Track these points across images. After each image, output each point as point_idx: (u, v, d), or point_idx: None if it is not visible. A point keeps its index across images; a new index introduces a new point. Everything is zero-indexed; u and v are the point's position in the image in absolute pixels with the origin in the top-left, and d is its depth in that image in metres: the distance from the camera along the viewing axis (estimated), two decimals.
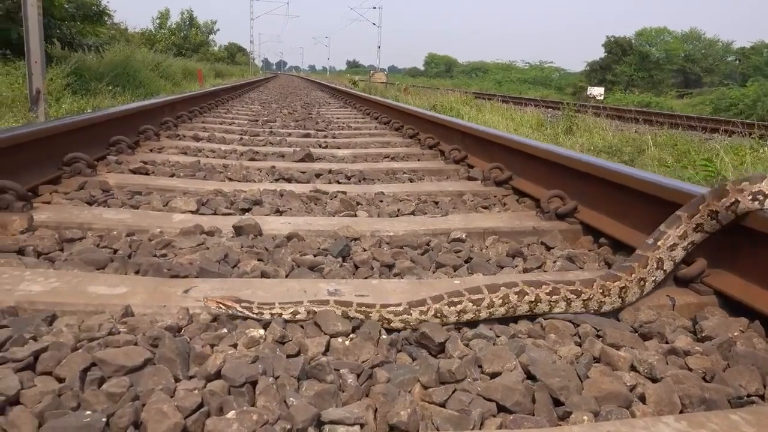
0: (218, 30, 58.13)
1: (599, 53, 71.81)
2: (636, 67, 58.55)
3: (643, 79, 58.12)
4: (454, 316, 1.62)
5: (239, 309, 1.58)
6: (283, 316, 1.59)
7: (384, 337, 1.53)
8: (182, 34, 51.55)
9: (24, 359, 1.32)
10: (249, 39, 73.21)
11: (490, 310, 1.65)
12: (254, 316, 1.59)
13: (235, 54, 75.46)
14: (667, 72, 61.38)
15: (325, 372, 1.33)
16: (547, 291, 1.68)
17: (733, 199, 1.80)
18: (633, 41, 61.34)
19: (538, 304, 1.68)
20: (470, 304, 1.62)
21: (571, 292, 1.70)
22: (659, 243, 1.84)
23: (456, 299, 1.62)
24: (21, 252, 2.06)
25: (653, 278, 1.81)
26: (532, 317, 1.71)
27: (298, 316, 1.60)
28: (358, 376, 1.35)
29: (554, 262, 2.24)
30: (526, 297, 1.67)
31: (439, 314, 1.60)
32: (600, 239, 2.51)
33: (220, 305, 1.58)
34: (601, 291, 1.72)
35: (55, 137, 3.30)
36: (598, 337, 1.59)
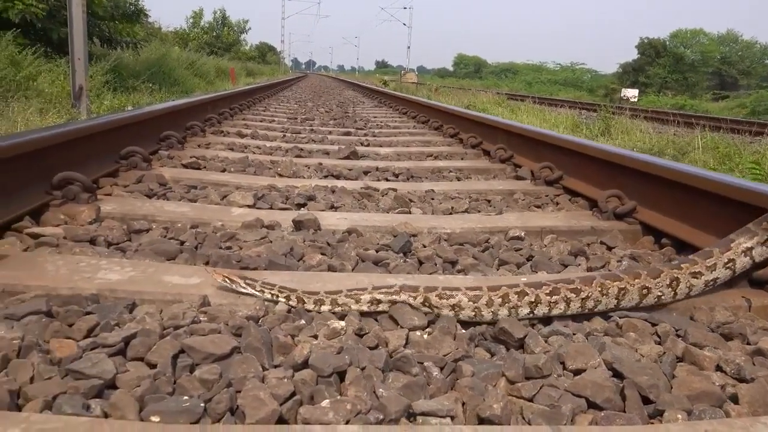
0: (250, 29, 58.69)
1: (632, 55, 70.75)
2: (670, 69, 57.54)
3: (677, 82, 57.09)
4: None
5: (243, 285, 1.65)
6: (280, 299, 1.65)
7: (463, 331, 1.53)
8: (214, 33, 52.16)
9: (115, 345, 1.34)
10: (280, 39, 73.75)
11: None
12: (256, 292, 1.65)
13: (265, 53, 76.13)
14: (702, 74, 60.20)
15: (410, 364, 1.33)
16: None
17: None
18: (667, 43, 60.31)
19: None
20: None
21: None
22: None
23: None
24: (92, 241, 2.11)
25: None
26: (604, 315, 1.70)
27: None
28: (442, 369, 1.35)
29: (618, 261, 2.22)
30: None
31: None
32: (662, 239, 2.47)
33: (226, 279, 1.65)
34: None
35: (112, 132, 3.36)
36: (678, 336, 1.56)
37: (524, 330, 1.51)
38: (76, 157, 2.85)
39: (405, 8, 66.75)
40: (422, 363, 1.35)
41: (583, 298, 1.64)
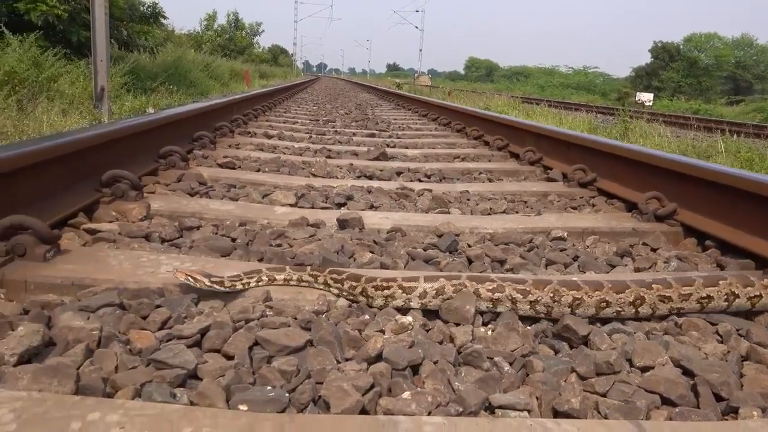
0: (263, 32, 58.92)
1: (645, 59, 70.42)
2: (684, 73, 57.27)
3: (691, 86, 56.80)
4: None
5: (208, 283, 1.60)
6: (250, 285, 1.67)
7: (528, 328, 1.55)
8: (227, 35, 52.42)
9: (191, 336, 1.38)
10: (292, 41, 74.06)
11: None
12: (225, 289, 1.62)
13: (278, 56, 76.43)
14: (716, 78, 59.87)
15: (481, 359, 1.35)
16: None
17: None
18: (681, 47, 60.03)
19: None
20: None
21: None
22: None
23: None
24: (147, 237, 2.15)
25: None
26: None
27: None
28: (511, 364, 1.37)
29: (665, 262, 2.22)
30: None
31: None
32: (705, 241, 2.47)
33: (189, 277, 1.59)
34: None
35: (151, 131, 3.41)
36: (740, 336, 1.57)
37: (588, 327, 1.52)
38: (120, 156, 2.90)
39: (417, 11, 66.82)
40: (492, 358, 1.37)
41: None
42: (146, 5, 16.72)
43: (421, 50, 63.45)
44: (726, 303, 1.68)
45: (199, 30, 48.79)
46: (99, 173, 2.60)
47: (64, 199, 2.24)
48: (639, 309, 1.64)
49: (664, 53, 58.68)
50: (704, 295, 1.67)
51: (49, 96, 9.59)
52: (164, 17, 17.68)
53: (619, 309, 1.63)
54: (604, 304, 1.62)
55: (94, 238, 2.08)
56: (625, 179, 3.22)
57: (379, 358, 1.34)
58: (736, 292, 1.68)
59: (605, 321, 1.64)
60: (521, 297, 1.60)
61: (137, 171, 3.01)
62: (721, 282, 1.69)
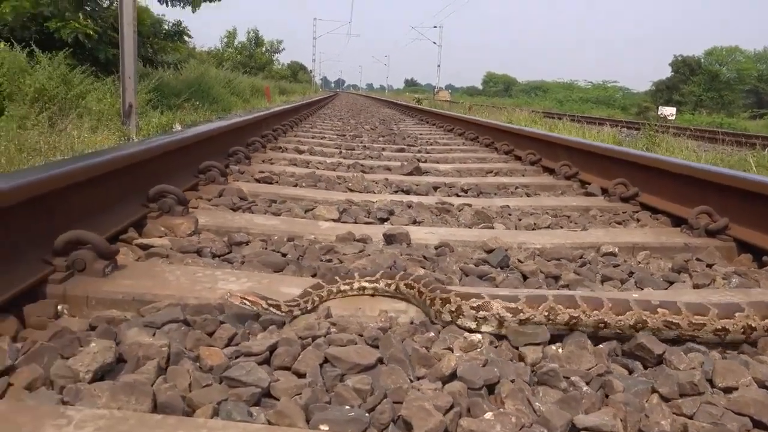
0: (284, 49, 59.59)
1: (665, 73, 69.98)
2: (705, 87, 56.80)
3: (713, 100, 56.30)
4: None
5: (264, 306, 1.54)
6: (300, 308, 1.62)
7: (601, 346, 1.51)
8: (248, 52, 53.07)
9: (260, 353, 1.35)
10: (311, 58, 74.81)
11: None
12: (281, 314, 1.57)
13: (297, 72, 77.20)
14: (738, 92, 59.27)
15: (558, 379, 1.31)
16: None
17: None
18: (702, 60, 59.58)
19: None
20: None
21: None
22: None
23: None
24: (198, 253, 2.14)
25: None
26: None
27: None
28: (588, 383, 1.33)
29: (724, 278, 2.17)
30: None
31: None
32: (762, 257, 2.41)
33: (244, 301, 1.54)
34: None
35: (191, 147, 3.43)
36: None
37: (662, 346, 1.48)
38: (164, 171, 2.91)
39: (435, 27, 67.14)
40: (568, 377, 1.33)
41: None
42: (171, 24, 16.98)
43: (439, 66, 63.67)
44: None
45: (219, 47, 49.47)
46: (145, 188, 2.61)
47: (116, 215, 2.25)
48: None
49: (684, 67, 58.28)
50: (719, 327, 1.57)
51: (78, 113, 9.75)
52: (188, 35, 17.93)
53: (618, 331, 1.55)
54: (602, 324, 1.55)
55: (147, 253, 2.08)
56: (670, 193, 3.17)
57: (453, 376, 1.30)
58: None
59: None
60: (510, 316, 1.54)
61: (179, 186, 3.02)
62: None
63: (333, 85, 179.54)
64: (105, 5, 14.42)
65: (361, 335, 1.49)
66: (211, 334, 1.46)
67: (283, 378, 1.29)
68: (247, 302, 1.54)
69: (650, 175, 3.37)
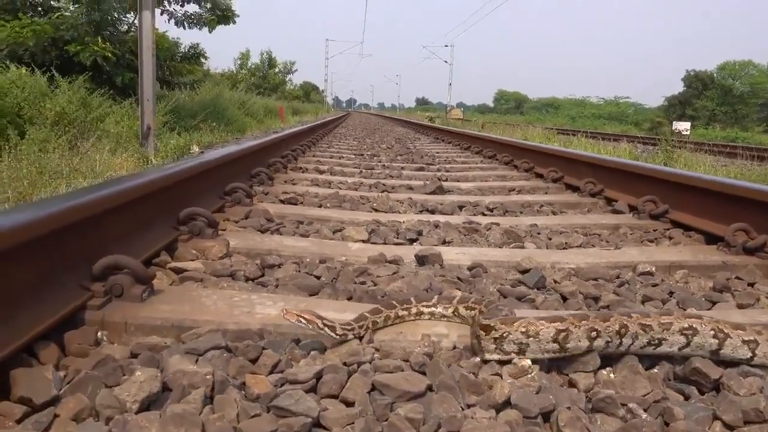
0: (296, 71, 60.13)
1: (677, 88, 69.80)
2: (718, 101, 56.51)
3: (726, 114, 55.99)
4: None
5: (320, 325, 1.51)
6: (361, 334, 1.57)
7: (655, 371, 1.46)
8: (261, 74, 53.58)
9: (307, 381, 1.32)
10: (323, 78, 75.42)
11: None
12: (336, 336, 1.53)
13: (309, 92, 77.81)
14: (752, 106, 58.88)
15: (615, 406, 1.27)
16: None
17: None
18: (715, 75, 59.33)
19: None
20: None
21: None
22: None
23: None
24: (232, 276, 2.12)
25: None
26: None
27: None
28: (646, 410, 1.29)
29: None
30: None
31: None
32: None
33: (300, 318, 1.51)
34: None
35: (216, 169, 3.43)
36: None
37: (719, 370, 1.43)
38: (191, 194, 2.91)
39: (446, 46, 67.51)
40: (625, 404, 1.29)
41: None
42: (188, 46, 17.18)
43: (450, 84, 63.91)
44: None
45: (233, 69, 49.99)
46: (173, 211, 2.61)
47: (148, 238, 2.24)
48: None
49: (697, 82, 58.05)
50: None
51: (97, 135, 9.84)
52: (205, 57, 18.14)
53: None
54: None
55: (181, 277, 2.06)
56: (702, 210, 3.11)
57: (506, 404, 1.26)
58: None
59: None
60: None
61: (207, 208, 3.01)
62: None
63: (344, 104, 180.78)
64: (123, 29, 14.63)
65: (407, 361, 1.46)
66: (253, 361, 1.43)
67: (332, 407, 1.25)
68: (303, 320, 1.51)
69: (680, 192, 3.32)
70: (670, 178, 3.42)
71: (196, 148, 10.81)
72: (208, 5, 15.59)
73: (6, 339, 1.31)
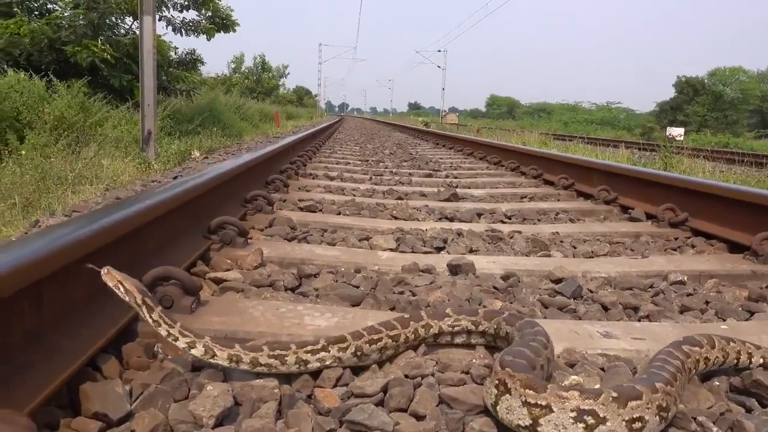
0: (289, 74, 60.08)
1: (669, 93, 70.31)
2: (709, 107, 56.95)
3: (717, 120, 56.41)
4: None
5: (139, 301, 1.38)
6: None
7: (716, 383, 1.47)
8: (255, 77, 53.52)
9: (374, 395, 1.32)
10: (317, 83, 75.43)
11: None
12: (150, 321, 1.38)
13: (302, 97, 77.82)
14: (743, 112, 59.41)
15: (687, 419, 1.27)
16: None
17: None
18: (706, 81, 59.82)
19: None
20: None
21: None
22: None
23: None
24: (272, 286, 2.11)
25: None
26: None
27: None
28: (714, 422, 1.29)
29: None
30: None
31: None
32: None
33: (119, 285, 1.39)
34: None
35: (237, 177, 3.42)
36: None
37: None
38: (216, 203, 2.90)
39: (439, 51, 67.77)
40: (695, 418, 1.29)
41: None
42: (185, 52, 17.14)
43: (443, 89, 64.09)
44: None
45: (227, 73, 49.90)
46: (202, 221, 2.60)
47: (184, 249, 2.23)
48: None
49: (688, 87, 58.50)
50: None
51: (95, 140, 9.78)
52: (202, 63, 18.11)
53: None
54: None
55: (221, 287, 2.05)
56: (724, 219, 3.13)
57: None
58: None
59: None
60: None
61: (232, 216, 3.01)
62: None
63: (337, 109, 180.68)
64: (122, 33, 14.58)
65: (467, 373, 1.46)
66: (316, 374, 1.43)
67: (404, 421, 1.25)
68: (122, 288, 1.39)
69: (700, 200, 3.35)
70: (690, 186, 3.45)
71: (197, 153, 10.78)
72: (208, 13, 15.55)
73: (73, 352, 1.30)
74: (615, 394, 1.15)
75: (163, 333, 1.38)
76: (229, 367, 1.37)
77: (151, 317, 1.39)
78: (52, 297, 1.36)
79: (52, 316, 1.36)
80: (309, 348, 1.40)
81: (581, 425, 1.12)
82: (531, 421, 1.15)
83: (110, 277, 1.40)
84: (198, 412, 1.20)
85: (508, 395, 1.19)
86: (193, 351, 1.37)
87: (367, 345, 1.46)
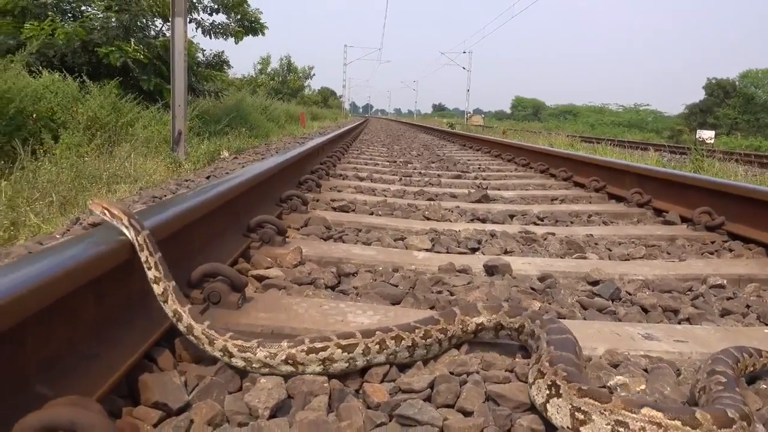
0: (314, 75, 60.46)
1: (698, 96, 69.23)
2: (740, 109, 55.89)
3: (748, 122, 55.35)
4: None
5: (126, 222, 1.42)
6: None
7: (763, 386, 1.46)
8: (280, 78, 53.97)
9: (422, 390, 1.35)
10: (341, 84, 75.76)
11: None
12: (136, 242, 1.42)
13: (327, 98, 78.26)
14: None
15: None
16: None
17: None
18: (737, 83, 58.74)
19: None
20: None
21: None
22: None
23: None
24: (313, 284, 2.15)
25: None
26: None
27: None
28: (764, 425, 1.29)
29: None
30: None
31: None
32: None
33: (105, 211, 1.44)
34: None
35: (272, 177, 3.47)
36: None
37: None
38: (254, 202, 2.95)
39: (464, 52, 67.59)
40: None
41: None
42: (213, 54, 17.35)
43: (468, 90, 63.87)
44: None
45: (253, 74, 50.39)
46: (241, 219, 2.65)
47: (226, 246, 2.28)
48: None
49: (718, 90, 57.50)
50: None
51: (127, 140, 9.96)
52: (229, 65, 18.30)
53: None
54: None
55: (264, 284, 2.09)
56: (762, 222, 3.09)
57: None
58: None
59: None
60: None
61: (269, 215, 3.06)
62: None
63: (361, 110, 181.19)
64: (152, 35, 14.82)
65: (512, 371, 1.48)
66: (363, 370, 1.45)
67: (452, 417, 1.27)
68: (108, 214, 1.45)
69: (736, 204, 3.31)
70: (726, 190, 3.41)
71: (225, 153, 10.92)
72: (238, 16, 15.72)
73: (133, 343, 1.35)
74: None
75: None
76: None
77: (136, 239, 1.43)
78: (111, 291, 1.41)
79: (112, 310, 1.41)
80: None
81: None
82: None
83: (96, 205, 1.45)
84: (254, 403, 1.24)
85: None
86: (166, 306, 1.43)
87: None
